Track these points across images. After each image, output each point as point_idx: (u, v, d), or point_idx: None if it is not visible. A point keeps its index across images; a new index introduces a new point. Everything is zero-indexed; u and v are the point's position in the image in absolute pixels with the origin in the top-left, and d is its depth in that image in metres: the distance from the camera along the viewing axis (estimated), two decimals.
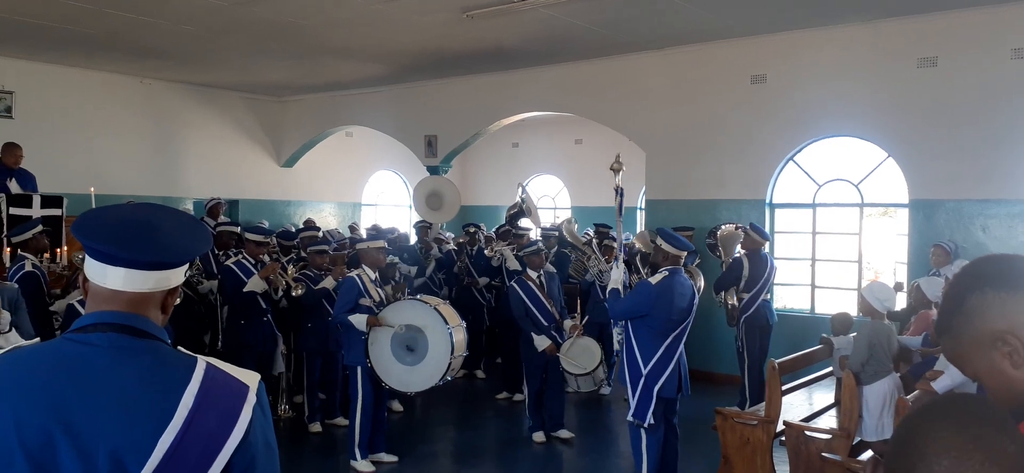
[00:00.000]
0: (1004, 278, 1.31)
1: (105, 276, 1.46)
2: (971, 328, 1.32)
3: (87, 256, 1.49)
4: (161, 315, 1.52)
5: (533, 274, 7.12)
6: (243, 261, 6.97)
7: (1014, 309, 1.29)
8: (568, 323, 7.09)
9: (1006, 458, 1.05)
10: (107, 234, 1.46)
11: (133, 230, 1.48)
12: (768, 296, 7.97)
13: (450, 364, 6.18)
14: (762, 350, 7.93)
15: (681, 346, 5.41)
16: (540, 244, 7.57)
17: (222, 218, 10.48)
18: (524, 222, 9.78)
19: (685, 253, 5.47)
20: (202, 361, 1.47)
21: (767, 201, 9.36)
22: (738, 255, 8.14)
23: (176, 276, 1.53)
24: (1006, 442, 1.07)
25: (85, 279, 1.50)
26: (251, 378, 1.50)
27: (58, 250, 7.52)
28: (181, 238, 1.53)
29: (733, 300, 8.00)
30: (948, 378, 4.58)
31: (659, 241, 5.57)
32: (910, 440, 1.10)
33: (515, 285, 7.10)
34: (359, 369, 6.26)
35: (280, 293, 7.08)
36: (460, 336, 6.31)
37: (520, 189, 10.08)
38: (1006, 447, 1.06)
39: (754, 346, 7.95)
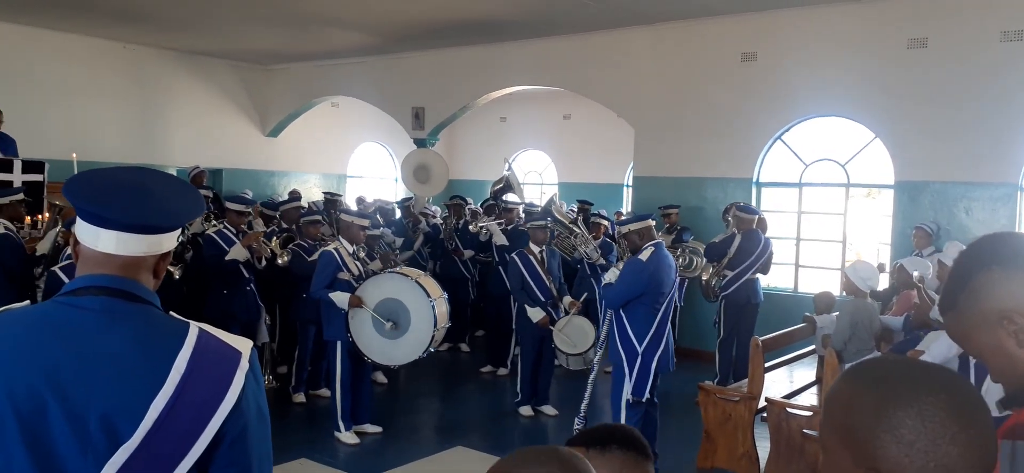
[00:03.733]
0: (1012, 257, 1.31)
1: (97, 239, 1.44)
2: (976, 306, 1.33)
3: (78, 219, 1.46)
4: (153, 280, 1.50)
5: (535, 249, 7.13)
6: (224, 230, 6.92)
7: (1020, 288, 1.29)
8: (566, 300, 7.10)
9: (988, 442, 1.05)
10: (100, 196, 1.44)
11: (126, 193, 1.46)
12: (755, 276, 7.98)
13: (433, 337, 6.18)
14: (744, 329, 7.96)
15: (669, 320, 5.44)
16: (547, 220, 7.55)
17: (203, 186, 10.38)
18: (510, 197, 9.77)
19: (649, 221, 5.49)
20: (194, 327, 1.46)
21: (754, 180, 9.40)
22: (732, 232, 8.18)
23: (169, 240, 1.51)
24: (987, 425, 1.07)
25: (76, 242, 1.48)
26: (244, 345, 1.48)
27: (39, 216, 7.43)
28: (174, 202, 1.51)
29: (707, 274, 8.04)
30: (928, 358, 4.63)
31: (625, 229, 5.63)
32: (891, 403, 1.06)
33: (516, 257, 7.12)
34: (338, 344, 6.26)
35: (263, 262, 7.04)
36: (442, 308, 6.31)
37: (506, 164, 10.05)
38: (987, 431, 1.06)
39: (730, 323, 8.02)
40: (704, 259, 8.05)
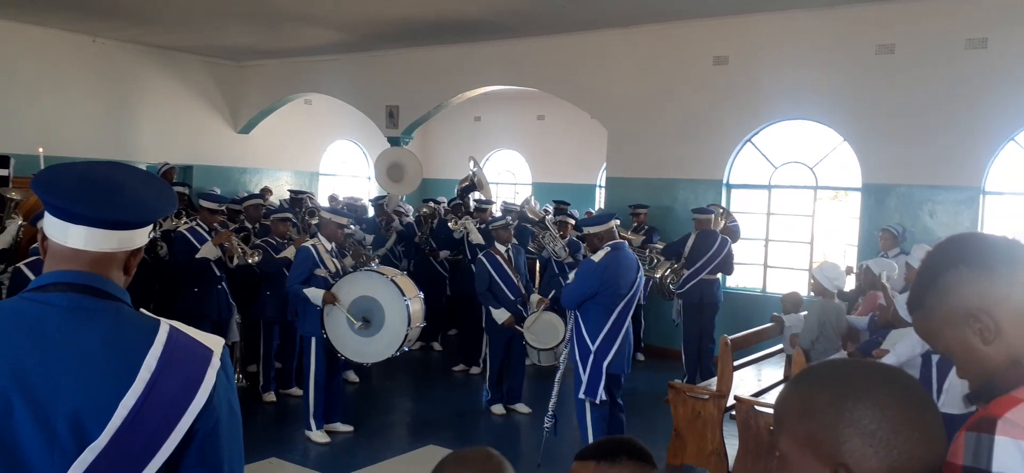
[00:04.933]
0: (979, 257, 1.36)
1: (66, 234, 1.42)
2: (944, 305, 1.37)
3: (47, 213, 1.44)
4: (124, 276, 1.48)
5: (501, 248, 7.15)
6: (197, 227, 6.86)
7: (986, 287, 1.33)
8: (534, 298, 7.13)
9: (937, 430, 1.11)
10: (69, 191, 1.42)
11: (96, 187, 1.44)
12: (714, 276, 8.04)
13: (407, 335, 6.18)
14: (701, 328, 8.05)
15: (628, 321, 5.42)
16: (508, 218, 7.60)
17: (176, 184, 10.26)
18: (477, 195, 9.79)
19: (610, 223, 5.47)
20: (165, 324, 1.45)
21: (724, 181, 9.50)
22: (688, 232, 8.28)
23: (140, 236, 1.49)
24: (937, 414, 1.13)
25: (44, 237, 1.46)
26: (215, 342, 1.48)
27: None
28: (145, 197, 1.49)
29: (659, 273, 8.12)
30: (893, 356, 4.72)
31: (585, 230, 5.65)
32: (846, 399, 1.11)
33: (483, 258, 7.13)
34: (313, 340, 6.24)
35: (235, 261, 6.99)
36: (417, 307, 6.31)
37: (472, 163, 10.06)
38: (937, 417, 1.12)
39: (689, 322, 8.12)
40: (662, 257, 8.16)
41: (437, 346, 9.81)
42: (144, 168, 12.05)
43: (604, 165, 12.03)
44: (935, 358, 4.36)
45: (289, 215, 7.91)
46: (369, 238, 9.33)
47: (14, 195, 6.98)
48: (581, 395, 5.34)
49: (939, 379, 4.33)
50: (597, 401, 5.30)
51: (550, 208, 10.80)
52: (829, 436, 1.10)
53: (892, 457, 1.07)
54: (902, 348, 4.63)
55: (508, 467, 1.53)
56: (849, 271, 7.85)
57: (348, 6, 9.53)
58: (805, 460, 1.12)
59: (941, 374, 4.33)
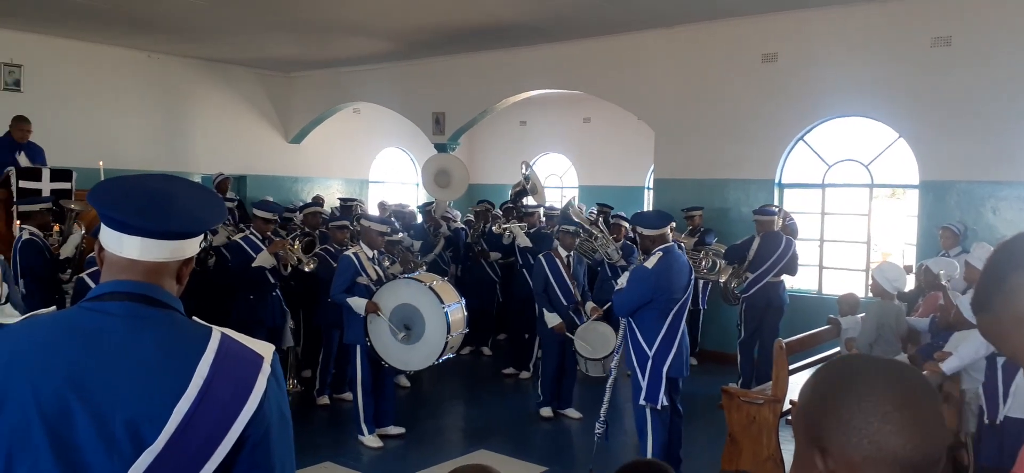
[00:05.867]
0: None
1: (121, 245, 1.46)
2: (1011, 307, 1.32)
3: (103, 225, 1.49)
4: (176, 285, 1.52)
5: (562, 252, 7.12)
6: (251, 236, 7.00)
7: None
8: (589, 306, 7.07)
9: (931, 425, 1.09)
10: (124, 203, 1.46)
11: (149, 199, 1.48)
12: (779, 278, 7.92)
13: (447, 343, 6.19)
14: (766, 331, 7.89)
15: (683, 324, 5.36)
16: (573, 227, 7.54)
17: (228, 195, 10.50)
18: (529, 200, 9.78)
19: (665, 228, 5.39)
20: (217, 331, 1.47)
21: (776, 181, 9.32)
22: (752, 235, 8.13)
23: (191, 246, 1.53)
24: (934, 410, 1.11)
25: (100, 248, 1.50)
26: (266, 349, 1.49)
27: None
28: (197, 208, 1.52)
29: (724, 278, 7.99)
30: (956, 359, 4.57)
31: (639, 228, 5.55)
32: (839, 391, 1.13)
33: (542, 259, 7.11)
34: (358, 348, 6.31)
35: (288, 268, 7.11)
36: (457, 315, 6.33)
37: (524, 167, 10.05)
38: (933, 413, 1.10)
39: (751, 326, 7.97)
40: (724, 261, 8.00)
41: (487, 350, 9.83)
42: (199, 179, 12.42)
43: (652, 167, 11.93)
44: (1000, 360, 4.20)
45: (346, 222, 8.01)
46: (417, 244, 9.41)
47: (74, 206, 7.22)
48: (641, 401, 5.27)
49: (1005, 382, 4.18)
50: (658, 407, 5.24)
51: (594, 210, 10.73)
52: (816, 421, 1.13)
53: (862, 446, 1.08)
54: (965, 350, 4.48)
55: None
56: (908, 271, 7.63)
57: (394, 15, 9.63)
58: (802, 443, 1.16)
59: (1007, 377, 4.17)
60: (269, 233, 7.14)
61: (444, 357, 6.30)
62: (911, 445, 1.07)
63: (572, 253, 7.18)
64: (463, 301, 6.52)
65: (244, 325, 6.82)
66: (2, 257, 5.42)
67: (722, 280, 8.01)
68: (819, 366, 1.21)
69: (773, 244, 7.84)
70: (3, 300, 4.73)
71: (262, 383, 1.44)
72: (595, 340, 6.78)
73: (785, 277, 8.03)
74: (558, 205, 12.73)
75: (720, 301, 8.81)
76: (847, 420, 1.09)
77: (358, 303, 6.17)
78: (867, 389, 1.10)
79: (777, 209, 8.41)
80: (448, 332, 6.16)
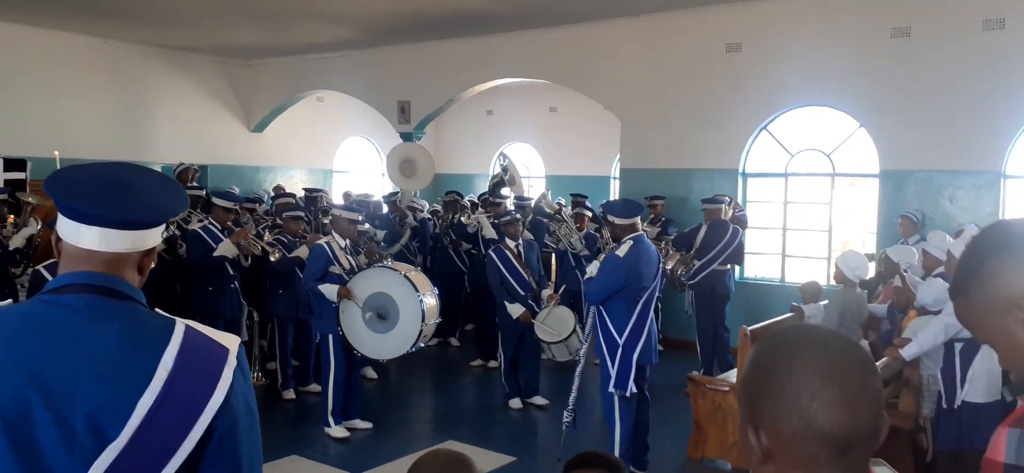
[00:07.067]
0: (1023, 245, 1.32)
1: (79, 235, 1.41)
2: (987, 292, 1.33)
3: (60, 215, 1.44)
4: (138, 276, 1.48)
5: (511, 243, 7.12)
6: (210, 226, 6.88)
7: None
8: (545, 292, 7.10)
9: (861, 400, 1.07)
10: (81, 192, 1.42)
11: (108, 188, 1.43)
12: (725, 266, 8.00)
13: (421, 332, 6.18)
14: (716, 319, 8.01)
15: (651, 312, 5.41)
16: (516, 213, 7.57)
17: (194, 184, 10.30)
18: (505, 191, 9.77)
19: (635, 218, 5.43)
20: (181, 324, 1.44)
21: (740, 171, 9.42)
22: (699, 223, 8.22)
23: (153, 236, 1.49)
24: (866, 384, 1.08)
25: (58, 239, 1.45)
26: (231, 341, 1.47)
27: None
28: (158, 197, 1.48)
29: (671, 265, 8.08)
30: (916, 345, 4.66)
31: (609, 217, 5.58)
32: (771, 364, 1.10)
33: (492, 253, 7.12)
34: (331, 337, 6.25)
35: (249, 259, 7.01)
36: (431, 303, 6.32)
37: (502, 157, 10.03)
38: (865, 388, 1.08)
39: (701, 313, 8.07)
40: (672, 248, 8.11)
41: (454, 341, 9.81)
42: (159, 168, 12.15)
43: (618, 157, 11.98)
44: (958, 346, 4.29)
45: (301, 213, 7.92)
46: (380, 234, 9.34)
47: (30, 199, 7.02)
48: (610, 389, 5.31)
49: (962, 367, 4.27)
50: (627, 394, 5.27)
51: (563, 201, 10.76)
52: (752, 395, 1.11)
53: (791, 421, 1.05)
54: (925, 336, 4.57)
55: (474, 467, 1.78)
56: (869, 258, 7.76)
57: (357, 2, 9.52)
58: (741, 415, 1.14)
59: (964, 363, 4.26)
60: (229, 223, 7.03)
61: (417, 346, 6.27)
62: (839, 421, 1.04)
63: (520, 241, 7.17)
64: (436, 291, 6.49)
65: (203, 316, 6.72)
66: None
67: (669, 266, 8.11)
68: (759, 341, 1.19)
69: (720, 232, 7.93)
70: None
71: (228, 375, 1.41)
72: (554, 323, 6.81)
73: (732, 265, 8.13)
74: (525, 196, 12.73)
75: (673, 290, 8.88)
76: (777, 394, 1.07)
77: (331, 289, 6.10)
78: (798, 364, 1.07)
79: (728, 199, 8.51)
80: (422, 321, 6.14)
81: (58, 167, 6.21)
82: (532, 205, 9.75)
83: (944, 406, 4.37)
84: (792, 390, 1.06)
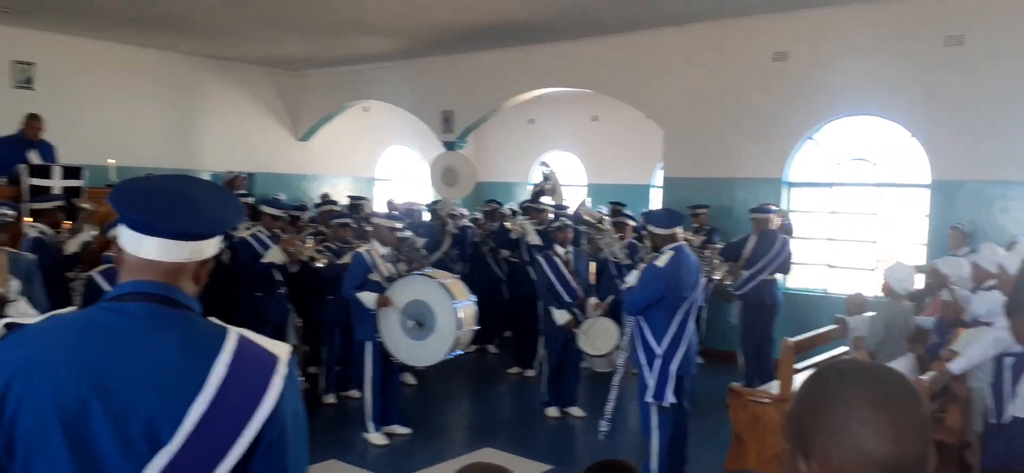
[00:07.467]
0: None
1: (140, 246, 1.47)
2: None
3: (122, 226, 1.49)
4: (194, 286, 1.53)
5: (560, 250, 7.15)
6: (258, 233, 7.02)
7: None
8: (591, 302, 7.10)
9: (908, 428, 1.09)
10: (144, 204, 1.48)
11: (169, 200, 1.50)
12: (773, 276, 7.90)
13: (457, 339, 6.23)
14: (763, 330, 7.92)
15: (691, 322, 5.38)
16: (567, 220, 7.60)
17: (242, 192, 10.53)
18: (545, 199, 9.81)
19: (676, 228, 5.41)
20: (234, 332, 1.49)
21: (784, 180, 9.31)
22: (747, 233, 8.15)
23: (209, 247, 1.54)
24: (913, 413, 1.11)
25: (119, 249, 1.51)
26: (282, 349, 1.51)
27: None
28: (215, 209, 1.54)
29: (719, 275, 8.00)
30: (965, 359, 4.57)
31: (649, 226, 5.57)
32: (821, 395, 1.14)
33: (541, 258, 7.15)
34: (369, 345, 6.34)
35: (298, 266, 7.14)
36: (468, 311, 6.36)
37: (544, 166, 10.06)
38: (912, 416, 1.10)
39: (750, 324, 7.97)
40: (720, 258, 8.04)
41: (492, 349, 9.85)
42: (208, 177, 12.46)
43: (660, 165, 11.92)
44: (1008, 361, 4.19)
45: (349, 220, 8.05)
46: (421, 241, 9.44)
47: (86, 205, 7.25)
48: (648, 399, 5.29)
49: (1013, 382, 4.18)
50: (666, 404, 5.25)
51: (605, 209, 10.73)
52: (801, 425, 1.15)
53: (842, 447, 1.09)
54: (974, 351, 4.48)
55: None
56: (917, 270, 7.61)
57: (405, 14, 9.66)
58: (792, 454, 1.17)
59: (1015, 378, 4.17)
60: (277, 230, 7.18)
61: (454, 353, 6.33)
62: (887, 447, 1.07)
63: (570, 249, 7.19)
64: (474, 299, 6.55)
65: (250, 322, 6.83)
66: (16, 251, 5.42)
67: (717, 277, 8.04)
68: (810, 371, 1.22)
69: (768, 242, 7.84)
70: (14, 297, 4.71)
71: (278, 384, 1.45)
72: (598, 336, 6.80)
73: (779, 275, 8.04)
74: (565, 204, 12.73)
75: (719, 301, 8.82)
76: (827, 425, 1.11)
77: (369, 297, 6.20)
78: (847, 393, 1.11)
79: (775, 208, 8.41)
80: (458, 328, 6.19)
81: (113, 176, 6.38)
82: (571, 214, 9.76)
83: (992, 422, 4.27)
84: (842, 417, 1.10)
